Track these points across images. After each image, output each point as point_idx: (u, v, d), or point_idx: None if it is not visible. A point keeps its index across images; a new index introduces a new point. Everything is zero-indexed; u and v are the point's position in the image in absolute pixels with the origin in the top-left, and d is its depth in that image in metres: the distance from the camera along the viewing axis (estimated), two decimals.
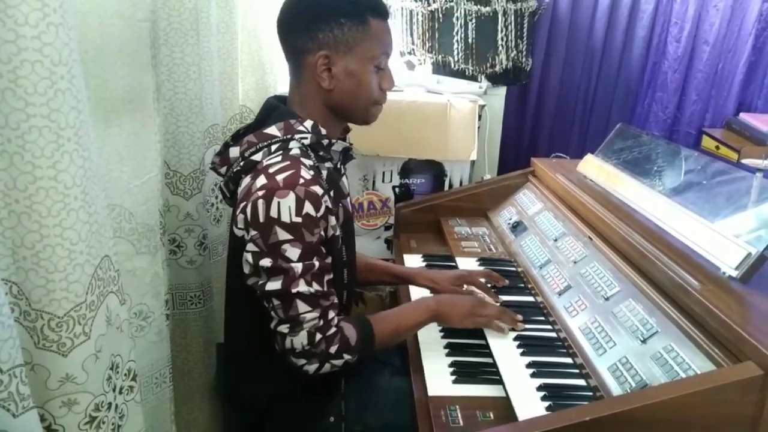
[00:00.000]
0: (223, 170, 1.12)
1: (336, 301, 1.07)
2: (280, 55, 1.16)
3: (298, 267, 0.99)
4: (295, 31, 1.10)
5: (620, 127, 1.78)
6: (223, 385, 1.40)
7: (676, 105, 2.78)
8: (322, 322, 1.03)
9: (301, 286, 1.00)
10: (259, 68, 1.62)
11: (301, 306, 1.01)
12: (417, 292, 1.44)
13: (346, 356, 1.06)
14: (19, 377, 0.62)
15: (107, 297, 0.79)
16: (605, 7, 2.63)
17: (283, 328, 1.02)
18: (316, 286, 1.01)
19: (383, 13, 1.12)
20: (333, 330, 1.04)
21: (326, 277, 1.04)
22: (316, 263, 1.01)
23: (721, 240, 1.15)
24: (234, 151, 1.09)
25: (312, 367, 1.05)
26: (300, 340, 1.02)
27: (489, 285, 1.42)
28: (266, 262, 0.99)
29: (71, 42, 0.69)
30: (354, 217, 2.09)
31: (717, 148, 2.61)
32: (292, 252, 0.99)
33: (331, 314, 1.05)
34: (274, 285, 1.00)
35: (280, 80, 1.69)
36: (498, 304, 1.34)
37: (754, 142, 2.51)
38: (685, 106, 2.78)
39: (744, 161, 2.42)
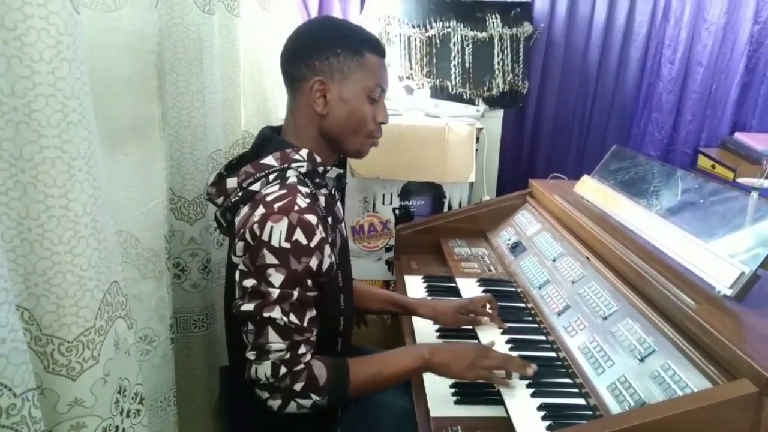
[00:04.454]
0: (219, 200, 1.12)
1: (313, 339, 1.03)
2: (281, 81, 1.19)
3: (275, 293, 0.97)
4: (294, 60, 1.13)
5: (615, 148, 1.81)
6: (227, 409, 1.41)
7: (672, 125, 2.82)
8: (288, 355, 0.99)
9: (275, 313, 0.97)
10: (261, 95, 1.66)
11: (271, 335, 0.98)
12: (420, 319, 1.43)
13: (314, 396, 1.00)
14: (32, 401, 0.63)
15: (116, 321, 0.81)
16: (599, 30, 2.68)
17: (251, 355, 1.00)
18: (292, 318, 0.99)
19: (380, 51, 1.15)
20: (300, 366, 1.00)
21: (307, 313, 1.01)
22: (295, 293, 0.99)
23: (716, 259, 1.16)
24: (231, 182, 1.09)
25: (275, 403, 1.00)
26: (264, 369, 0.98)
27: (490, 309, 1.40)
28: (249, 282, 0.99)
29: (83, 76, 0.72)
30: (354, 240, 2.13)
31: (713, 167, 2.64)
32: (276, 277, 0.98)
33: (302, 350, 1.00)
34: (248, 306, 0.98)
35: (281, 106, 1.72)
36: (503, 329, 1.35)
37: (750, 161, 2.53)
38: (680, 127, 2.82)
39: (740, 180, 2.45)
